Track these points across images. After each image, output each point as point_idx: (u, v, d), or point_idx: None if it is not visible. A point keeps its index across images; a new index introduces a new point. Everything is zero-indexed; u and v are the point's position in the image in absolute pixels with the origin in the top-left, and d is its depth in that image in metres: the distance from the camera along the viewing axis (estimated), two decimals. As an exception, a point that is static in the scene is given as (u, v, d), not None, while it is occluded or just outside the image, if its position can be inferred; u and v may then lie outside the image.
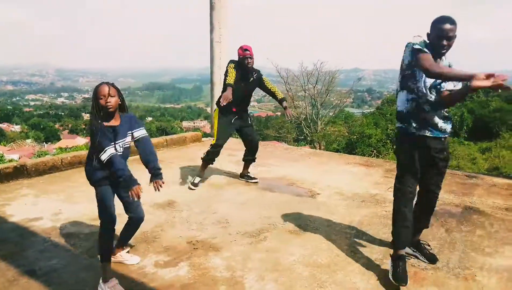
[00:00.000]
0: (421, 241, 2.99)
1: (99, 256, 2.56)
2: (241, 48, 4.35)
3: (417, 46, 2.48)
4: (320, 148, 23.37)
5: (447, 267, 2.84)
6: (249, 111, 4.85)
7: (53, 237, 3.23)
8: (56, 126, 72.50)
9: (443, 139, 2.65)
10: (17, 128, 67.64)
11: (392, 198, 2.79)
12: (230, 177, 5.00)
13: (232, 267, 2.80)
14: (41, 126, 66.07)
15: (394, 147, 2.69)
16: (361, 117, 32.86)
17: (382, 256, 2.97)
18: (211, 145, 4.53)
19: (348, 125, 27.29)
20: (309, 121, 27.25)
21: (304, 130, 27.17)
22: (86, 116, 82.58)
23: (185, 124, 74.45)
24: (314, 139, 25.87)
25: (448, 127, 2.64)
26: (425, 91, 2.58)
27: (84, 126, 67.39)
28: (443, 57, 2.62)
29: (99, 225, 2.55)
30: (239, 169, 5.05)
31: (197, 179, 4.58)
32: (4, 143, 37.75)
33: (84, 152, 5.45)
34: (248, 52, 4.31)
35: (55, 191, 4.34)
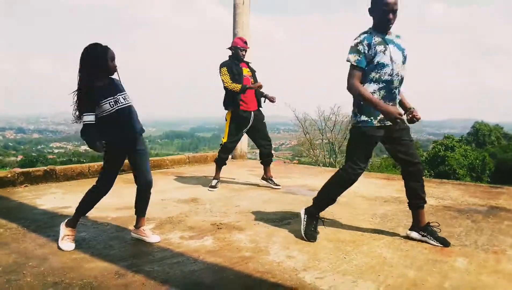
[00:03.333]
0: (429, 223, 2.86)
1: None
2: (240, 38, 4.58)
3: (350, 57, 2.65)
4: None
5: (475, 245, 2.78)
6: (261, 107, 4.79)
7: (82, 218, 3.30)
8: (78, 172, 73.81)
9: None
10: (39, 174, 69.09)
11: None
12: (250, 184, 5.05)
13: (256, 240, 2.82)
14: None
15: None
16: (378, 160, 32.56)
17: (407, 237, 2.93)
18: (220, 144, 4.69)
19: (368, 170, 27.05)
20: (327, 166, 27.16)
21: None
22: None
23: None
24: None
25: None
26: None
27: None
28: (391, 32, 2.72)
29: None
30: (259, 181, 5.10)
31: (214, 182, 4.67)
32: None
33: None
34: (246, 44, 4.58)
35: (82, 191, 4.36)
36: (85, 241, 2.77)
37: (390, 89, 2.68)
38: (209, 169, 6.37)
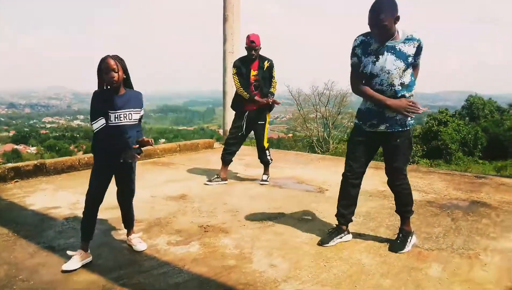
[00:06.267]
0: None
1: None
2: (248, 37, 4.46)
3: (351, 61, 2.73)
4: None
5: (451, 248, 2.89)
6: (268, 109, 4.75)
7: (71, 221, 3.38)
8: (71, 147, 73.59)
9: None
10: (33, 149, 68.77)
11: None
12: (239, 177, 5.12)
13: (241, 246, 2.91)
14: (57, 148, 67.15)
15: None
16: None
17: (385, 240, 3.04)
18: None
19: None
20: (321, 141, 27.33)
21: (316, 149, 27.23)
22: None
23: (197, 145, 74.90)
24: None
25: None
26: None
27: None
28: (399, 32, 2.62)
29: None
30: (247, 171, 5.18)
31: (213, 177, 4.71)
32: (20, 165, 38.45)
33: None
34: (254, 43, 4.41)
35: (72, 186, 4.52)
36: (73, 248, 2.82)
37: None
38: (200, 158, 6.43)
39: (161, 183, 4.73)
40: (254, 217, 3.53)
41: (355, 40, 2.71)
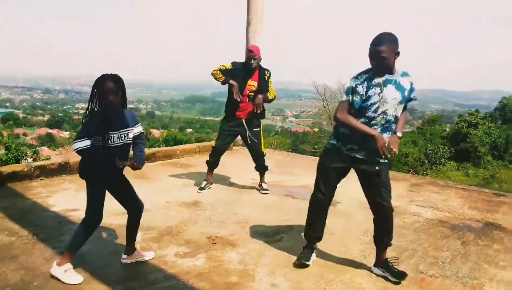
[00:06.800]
0: (387, 259, 2.88)
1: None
2: (248, 48, 4.50)
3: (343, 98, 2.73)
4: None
5: (456, 276, 2.88)
6: (262, 119, 4.79)
7: (88, 225, 3.54)
8: (102, 134, 75.56)
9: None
10: (66, 134, 71.23)
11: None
12: (254, 183, 5.19)
13: (245, 261, 2.99)
14: (89, 134, 69.09)
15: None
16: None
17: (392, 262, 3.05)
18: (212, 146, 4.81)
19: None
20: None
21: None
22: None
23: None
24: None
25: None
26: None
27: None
28: (395, 70, 2.66)
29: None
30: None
31: (203, 183, 4.79)
32: (53, 147, 39.90)
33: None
34: (253, 53, 4.40)
35: None
36: (88, 254, 2.99)
37: (374, 129, 2.71)
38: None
39: (177, 187, 4.87)
40: (263, 230, 3.60)
41: (357, 78, 2.69)
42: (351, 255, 3.16)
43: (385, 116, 2.68)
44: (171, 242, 3.28)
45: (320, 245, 3.29)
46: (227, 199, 4.49)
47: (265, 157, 4.86)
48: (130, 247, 2.91)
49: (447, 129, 33.28)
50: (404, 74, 2.72)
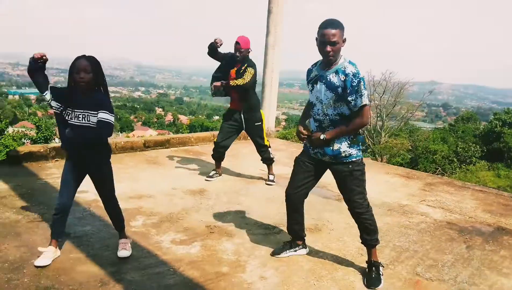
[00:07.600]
0: (373, 261, 2.77)
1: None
2: (236, 40, 4.39)
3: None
4: (381, 161, 22.61)
5: (454, 281, 2.79)
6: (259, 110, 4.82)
7: (92, 208, 3.63)
8: (131, 117, 77.31)
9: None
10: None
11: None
12: (263, 174, 5.18)
13: (239, 252, 3.00)
14: (118, 117, 70.87)
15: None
16: (427, 131, 31.30)
17: (388, 262, 2.99)
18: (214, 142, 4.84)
19: (412, 139, 26.12)
20: (373, 132, 26.54)
21: (367, 140, 26.47)
22: (159, 110, 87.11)
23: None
24: (375, 151, 25.11)
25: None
26: None
27: (156, 120, 71.35)
28: (344, 63, 2.51)
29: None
30: (274, 167, 5.22)
31: (212, 172, 4.84)
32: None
33: (138, 139, 5.96)
34: (239, 45, 4.36)
35: None
36: (87, 236, 3.08)
37: (322, 127, 2.66)
38: (231, 149, 6.54)
39: (186, 174, 4.92)
40: (262, 222, 3.59)
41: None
42: (348, 252, 3.11)
43: (327, 117, 2.63)
44: (170, 228, 3.33)
45: (317, 241, 3.27)
46: (233, 188, 4.50)
47: (271, 149, 4.86)
48: (119, 233, 2.96)
49: (481, 127, 32.05)
50: (340, 69, 2.52)
